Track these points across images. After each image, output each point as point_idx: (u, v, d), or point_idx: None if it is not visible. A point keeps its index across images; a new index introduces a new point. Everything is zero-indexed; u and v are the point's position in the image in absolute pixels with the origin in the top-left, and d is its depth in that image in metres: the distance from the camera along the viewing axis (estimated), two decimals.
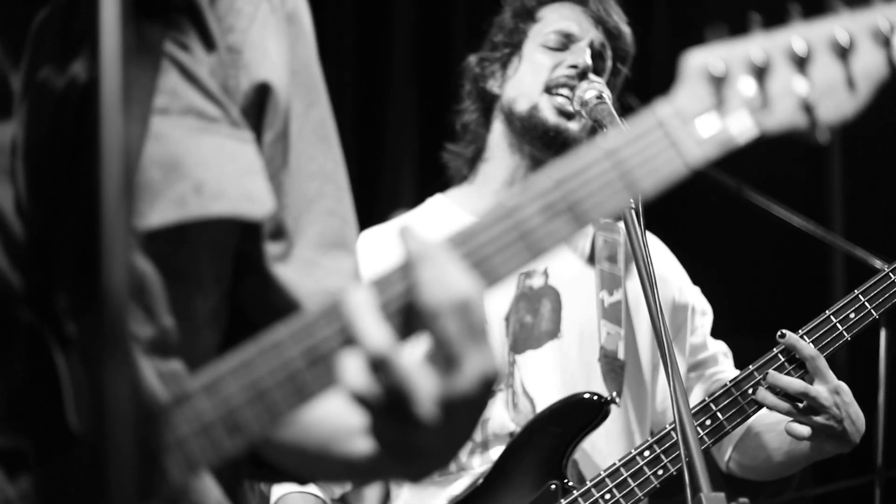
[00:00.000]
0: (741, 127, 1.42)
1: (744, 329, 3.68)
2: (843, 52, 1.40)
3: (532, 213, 1.42)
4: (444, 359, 1.36)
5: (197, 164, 1.54)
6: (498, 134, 3.44)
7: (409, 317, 1.38)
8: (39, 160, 1.48)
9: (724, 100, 1.42)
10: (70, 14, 1.54)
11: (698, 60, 1.43)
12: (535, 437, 3.19)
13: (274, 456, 1.67)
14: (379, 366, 1.34)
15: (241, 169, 1.60)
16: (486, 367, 1.37)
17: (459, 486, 3.20)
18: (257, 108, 1.66)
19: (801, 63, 1.41)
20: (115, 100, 1.09)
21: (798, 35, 1.42)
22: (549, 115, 3.28)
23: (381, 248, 3.31)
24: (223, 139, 1.60)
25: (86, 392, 1.41)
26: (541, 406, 3.23)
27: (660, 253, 3.53)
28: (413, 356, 1.37)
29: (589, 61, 3.29)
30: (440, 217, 3.44)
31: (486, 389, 1.38)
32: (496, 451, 3.21)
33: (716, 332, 3.56)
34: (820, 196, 4.81)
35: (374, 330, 1.35)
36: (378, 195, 4.57)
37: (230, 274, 1.66)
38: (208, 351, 1.64)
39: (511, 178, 3.42)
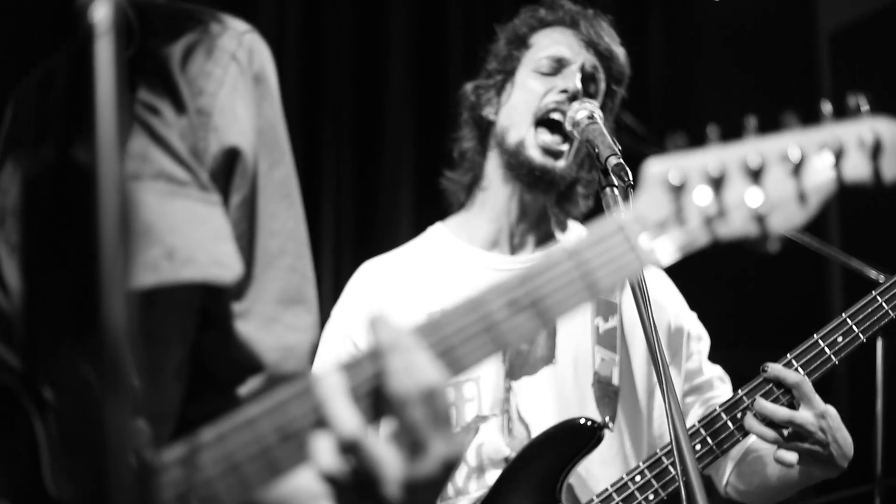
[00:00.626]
0: (695, 235, 1.47)
1: (743, 342, 3.71)
2: (796, 168, 1.46)
3: (497, 307, 1.50)
4: (409, 443, 1.45)
5: (168, 230, 1.62)
6: (493, 162, 3.49)
7: (377, 401, 1.47)
8: (19, 225, 1.57)
9: (681, 207, 1.49)
10: (45, 90, 1.59)
11: (658, 169, 1.51)
12: (530, 463, 3.25)
13: None
14: (349, 448, 1.43)
15: (211, 233, 1.68)
16: (449, 452, 1.47)
17: None
18: (226, 171, 1.73)
19: (755, 175, 1.47)
20: (112, 171, 1.17)
21: (753, 149, 1.47)
22: (535, 155, 3.33)
23: (380, 280, 3.37)
24: (193, 203, 1.67)
25: (75, 452, 1.49)
26: (536, 431, 3.30)
27: (657, 279, 3.57)
28: (380, 439, 1.45)
29: (579, 85, 3.32)
30: (439, 247, 3.50)
31: (448, 472, 1.48)
32: (492, 476, 3.28)
33: (717, 345, 3.60)
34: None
35: (345, 414, 1.44)
36: (376, 224, 4.61)
37: (194, 330, 1.74)
38: (173, 403, 1.73)
39: (507, 206, 3.46)
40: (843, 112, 1.49)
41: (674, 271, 3.66)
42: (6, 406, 1.52)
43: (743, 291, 4.83)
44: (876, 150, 1.44)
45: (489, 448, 3.29)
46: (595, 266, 1.51)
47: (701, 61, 4.91)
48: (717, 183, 1.49)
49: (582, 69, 3.39)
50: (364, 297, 3.38)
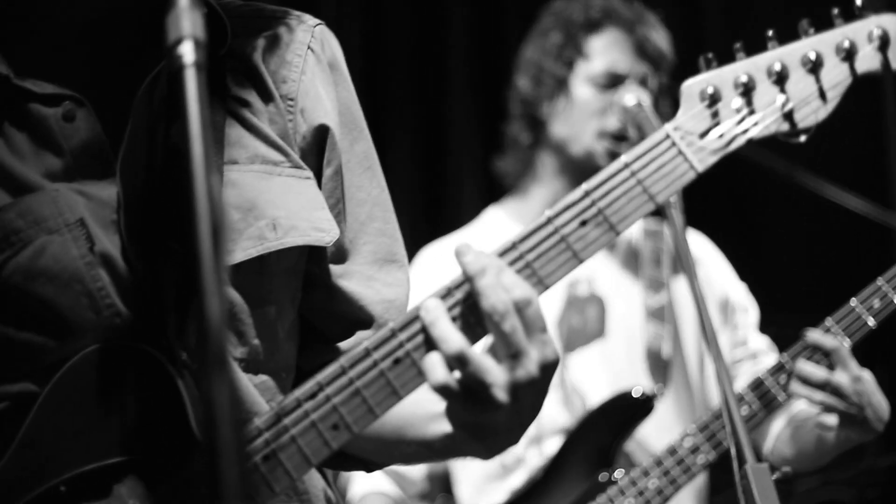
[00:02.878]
0: (734, 136, 1.70)
1: (806, 310, 3.77)
2: (814, 67, 1.66)
3: (565, 221, 1.70)
4: (509, 352, 1.64)
5: (269, 204, 1.85)
6: (548, 160, 3.68)
7: (473, 319, 1.67)
8: (138, 212, 1.77)
9: (717, 114, 1.71)
10: (153, 87, 1.82)
11: (695, 84, 1.73)
12: (586, 432, 3.44)
13: (348, 448, 1.94)
14: (458, 361, 1.63)
15: (308, 203, 1.91)
16: (545, 356, 1.66)
17: (518, 478, 3.44)
18: (316, 148, 1.96)
19: (780, 80, 1.67)
20: (202, 158, 1.35)
21: (775, 57, 1.67)
22: (605, 162, 3.48)
23: (441, 262, 3.57)
24: (287, 179, 1.90)
25: (199, 406, 1.69)
26: (590, 403, 3.50)
27: (706, 251, 3.76)
28: (483, 352, 1.66)
29: (635, 101, 3.45)
30: (496, 230, 3.69)
31: (546, 374, 1.67)
32: (550, 445, 3.47)
33: (773, 318, 3.73)
34: (882, 177, 4.85)
35: (450, 332, 1.65)
36: (442, 208, 4.76)
37: (300, 292, 1.96)
38: (289, 361, 1.95)
39: (559, 195, 3.60)
40: (851, 14, 1.72)
41: (726, 238, 3.83)
42: (151, 369, 1.71)
43: (804, 263, 4.91)
44: (883, 44, 1.66)
45: (547, 419, 3.46)
46: (649, 173, 1.71)
47: None
48: (748, 90, 1.71)
49: (636, 79, 3.58)
50: (428, 282, 3.55)
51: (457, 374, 1.63)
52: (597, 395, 3.49)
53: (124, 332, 1.73)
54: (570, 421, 3.48)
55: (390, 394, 1.66)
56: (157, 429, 1.71)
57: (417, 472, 3.58)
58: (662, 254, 3.66)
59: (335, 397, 1.66)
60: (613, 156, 3.46)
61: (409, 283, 2.05)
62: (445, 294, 1.68)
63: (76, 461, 1.68)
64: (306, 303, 1.97)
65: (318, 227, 1.89)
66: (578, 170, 3.55)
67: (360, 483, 3.54)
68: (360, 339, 1.93)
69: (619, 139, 3.51)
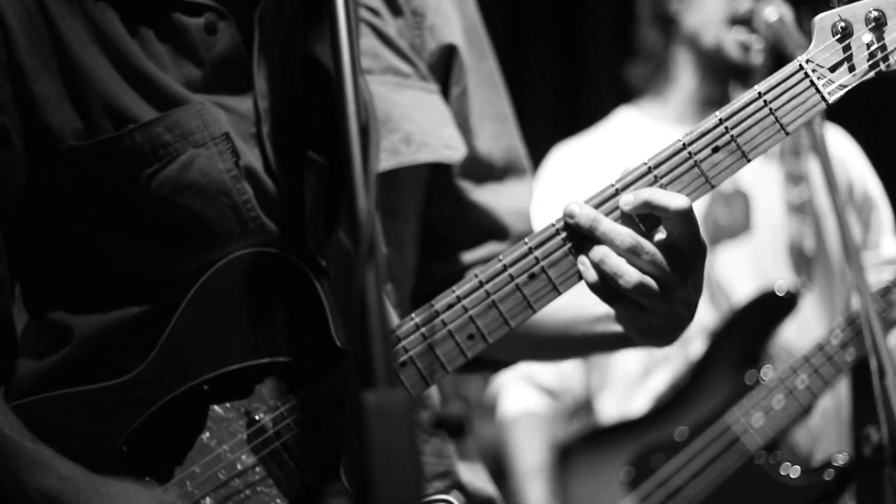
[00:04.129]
0: (864, 70, 1.76)
1: None
2: None
3: (699, 147, 1.75)
4: (673, 250, 1.71)
5: (402, 118, 1.92)
6: (681, 56, 3.63)
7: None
8: (280, 125, 1.82)
9: (849, 48, 1.75)
10: (281, 5, 1.85)
11: (827, 18, 1.77)
12: (731, 332, 3.44)
13: (489, 352, 2.01)
14: (633, 252, 1.69)
15: (438, 120, 1.97)
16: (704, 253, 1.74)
17: (660, 379, 3.47)
18: (443, 66, 2.02)
19: None
20: (351, 67, 1.40)
21: None
22: (735, 53, 3.47)
23: (572, 162, 3.59)
24: (417, 92, 1.96)
25: (343, 312, 1.78)
26: (736, 299, 3.48)
27: (844, 147, 3.70)
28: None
29: (777, 16, 3.39)
30: (629, 127, 3.68)
31: (704, 262, 1.75)
32: (694, 345, 3.47)
33: None
34: None
35: (619, 227, 1.70)
36: (578, 110, 4.75)
37: (423, 204, 2.02)
38: (412, 268, 2.02)
39: (695, 93, 3.61)
40: None
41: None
42: (293, 275, 1.78)
43: None
44: None
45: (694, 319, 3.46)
46: (781, 103, 1.74)
47: None
48: (879, 26, 1.74)
49: None
50: (561, 181, 3.58)
51: (635, 264, 1.69)
52: (742, 291, 3.48)
53: (267, 243, 1.79)
54: (715, 319, 3.48)
55: (525, 307, 1.72)
56: (298, 333, 1.78)
57: (573, 387, 3.64)
58: (801, 147, 3.61)
59: (472, 309, 1.72)
60: (744, 49, 3.44)
61: (533, 194, 2.11)
62: (598, 199, 1.74)
63: (219, 361, 1.76)
64: (434, 215, 2.04)
65: (448, 145, 1.96)
66: (712, 64, 3.52)
67: (512, 401, 3.62)
68: (490, 249, 2.01)
69: (747, 25, 3.45)
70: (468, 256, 2.05)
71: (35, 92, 1.77)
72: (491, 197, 2.05)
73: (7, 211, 1.80)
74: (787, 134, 1.75)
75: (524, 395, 3.60)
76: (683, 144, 1.74)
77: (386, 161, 1.89)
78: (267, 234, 1.79)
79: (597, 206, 1.72)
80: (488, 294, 1.72)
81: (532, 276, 1.72)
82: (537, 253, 1.73)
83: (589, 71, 4.86)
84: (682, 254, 1.71)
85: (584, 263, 1.71)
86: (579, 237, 1.72)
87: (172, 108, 1.77)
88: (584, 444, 3.55)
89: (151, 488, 1.72)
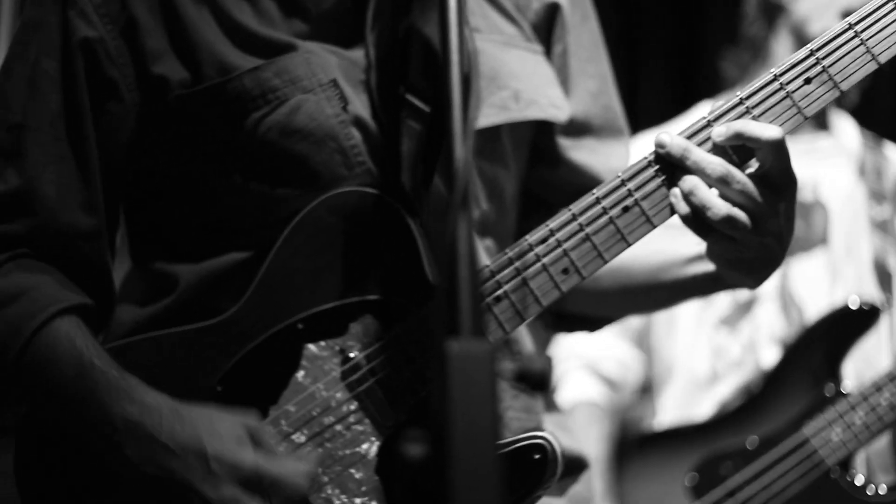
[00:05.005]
0: None
1: None
2: None
3: (791, 78, 1.75)
4: (765, 182, 1.71)
5: (510, 76, 1.93)
6: (784, 47, 3.60)
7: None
8: (384, 73, 1.84)
9: None
10: None
11: None
12: (809, 343, 3.39)
13: (583, 306, 1.99)
14: (723, 181, 1.70)
15: (544, 80, 1.99)
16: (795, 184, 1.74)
17: (727, 387, 3.42)
18: (546, 24, 2.03)
19: None
20: (456, 16, 1.42)
21: None
22: None
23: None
24: (522, 52, 1.98)
25: (436, 251, 1.79)
26: (809, 313, 3.45)
27: None
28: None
29: None
30: None
31: (795, 193, 1.75)
32: (765, 355, 3.43)
33: None
34: None
35: (710, 157, 1.71)
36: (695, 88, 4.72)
37: (525, 162, 2.04)
38: (511, 229, 2.03)
39: None
40: None
41: None
42: (388, 216, 1.80)
43: None
44: None
45: (764, 327, 3.44)
46: (872, 33, 1.74)
47: None
48: None
49: None
50: None
51: (728, 196, 1.69)
52: (817, 304, 3.44)
53: (370, 186, 1.81)
54: (787, 330, 3.45)
55: (619, 240, 1.73)
56: (392, 271, 1.80)
57: (633, 378, 3.60)
58: (883, 167, 3.55)
59: (565, 242, 1.74)
60: None
61: (630, 156, 2.10)
62: (690, 133, 1.75)
63: (314, 300, 1.79)
64: (533, 173, 2.06)
65: (554, 104, 1.98)
66: None
67: (571, 389, 3.59)
68: None
69: None
70: None
71: (146, 45, 1.82)
72: (589, 156, 2.07)
73: (115, 163, 1.86)
74: (879, 64, 1.75)
75: (584, 383, 3.58)
76: (775, 76, 1.74)
77: (495, 116, 1.91)
78: (373, 180, 1.82)
79: (688, 138, 1.73)
80: (581, 227, 1.74)
81: (625, 209, 1.74)
82: (630, 185, 1.74)
83: (705, 57, 4.81)
84: (774, 185, 1.71)
85: (675, 195, 1.72)
86: (671, 169, 1.73)
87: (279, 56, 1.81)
88: (646, 444, 3.52)
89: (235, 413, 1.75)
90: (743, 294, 3.45)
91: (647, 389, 3.64)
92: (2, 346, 1.76)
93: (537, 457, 1.74)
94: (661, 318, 3.51)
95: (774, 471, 3.28)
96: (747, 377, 3.45)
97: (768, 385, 3.41)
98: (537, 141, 2.04)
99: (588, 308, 2.08)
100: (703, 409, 3.48)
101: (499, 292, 1.73)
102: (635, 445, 3.52)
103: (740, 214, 1.70)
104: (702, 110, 3.69)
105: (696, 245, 1.90)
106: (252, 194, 1.82)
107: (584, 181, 2.05)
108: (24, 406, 1.83)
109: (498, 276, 1.74)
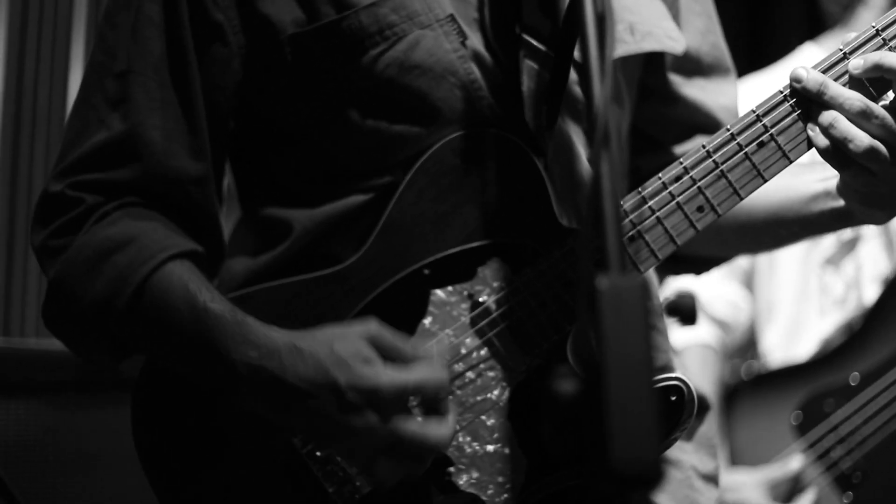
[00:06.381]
0: None
1: None
2: None
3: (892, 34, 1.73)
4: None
5: (624, 9, 1.89)
6: None
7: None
8: (501, 10, 1.82)
9: None
10: None
11: None
12: None
13: (697, 245, 1.99)
14: (863, 115, 1.67)
15: (657, 13, 1.95)
16: None
17: (828, 325, 3.40)
18: None
19: None
20: None
21: None
22: None
23: (755, 98, 3.49)
24: None
25: (562, 199, 1.77)
26: None
27: None
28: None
29: None
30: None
31: None
32: (868, 293, 3.40)
33: None
34: None
35: (847, 91, 1.69)
36: (767, 43, 4.68)
37: (635, 102, 2.01)
38: (626, 163, 1.98)
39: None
40: None
41: None
42: (514, 156, 1.78)
43: None
44: None
45: (868, 263, 3.40)
46: None
47: None
48: None
49: None
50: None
51: (867, 129, 1.67)
52: None
53: (489, 124, 1.79)
54: (891, 267, 3.41)
55: (755, 177, 1.72)
56: (519, 213, 1.77)
57: (743, 319, 3.59)
58: None
59: (701, 180, 1.72)
60: None
61: (738, 93, 2.09)
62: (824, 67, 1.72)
63: (440, 245, 1.76)
64: (642, 111, 2.02)
65: (670, 36, 1.94)
66: None
67: (679, 333, 3.57)
68: (699, 143, 1.98)
69: None
70: (679, 149, 2.03)
71: None
72: (699, 93, 2.04)
73: (222, 108, 1.83)
74: None
75: (694, 328, 3.56)
76: (876, 30, 1.71)
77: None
78: (492, 114, 1.79)
79: (824, 72, 1.71)
80: (717, 164, 1.72)
81: (761, 144, 1.72)
82: (766, 120, 1.72)
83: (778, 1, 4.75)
84: None
85: (813, 129, 1.70)
86: (807, 103, 1.71)
87: None
88: (751, 386, 3.50)
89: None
90: (846, 233, 3.41)
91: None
92: (113, 292, 1.73)
93: (674, 398, 1.72)
94: (764, 258, 3.49)
95: (876, 403, 3.27)
96: (850, 315, 3.42)
97: (868, 321, 3.38)
98: (646, 78, 2.01)
99: (702, 248, 2.04)
100: (805, 347, 3.45)
101: (632, 232, 1.71)
102: (741, 387, 3.51)
103: (880, 146, 1.67)
104: (807, 53, 3.68)
105: (820, 181, 1.89)
106: (370, 132, 1.79)
107: (696, 118, 2.03)
108: (141, 355, 1.81)
109: (632, 216, 1.72)
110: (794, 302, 3.49)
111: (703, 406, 2.02)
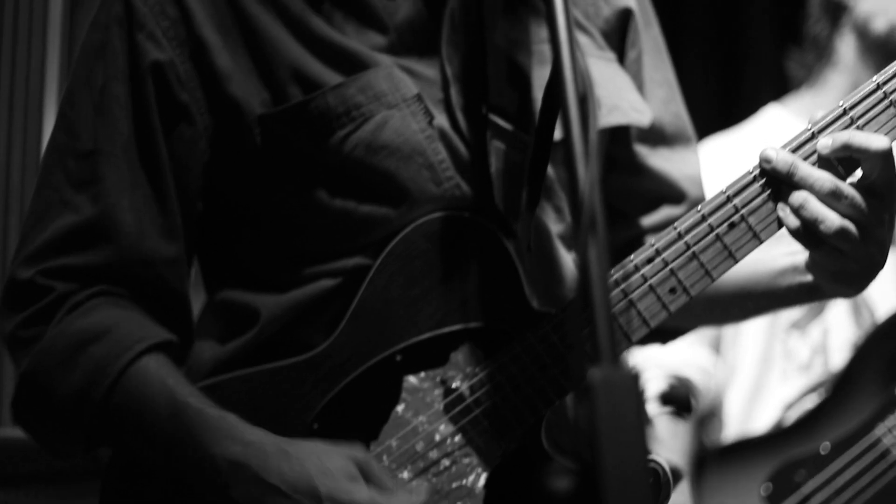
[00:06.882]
0: None
1: None
2: None
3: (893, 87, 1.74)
4: (870, 192, 1.70)
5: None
6: (848, 46, 3.56)
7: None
8: (466, 90, 1.81)
9: None
10: None
11: None
12: (879, 344, 3.33)
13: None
14: (834, 196, 1.68)
15: (622, 85, 1.95)
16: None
17: (793, 388, 3.38)
18: (619, 31, 1.99)
19: None
20: (567, 35, 1.39)
21: None
22: None
23: (720, 158, 3.50)
24: (597, 60, 1.93)
25: (536, 281, 1.75)
26: (880, 315, 3.39)
27: None
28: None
29: None
30: (774, 128, 3.61)
31: None
32: (835, 358, 3.39)
33: None
34: None
35: (818, 172, 1.70)
36: (733, 105, 4.69)
37: (602, 173, 2.00)
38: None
39: (853, 88, 3.49)
40: None
41: None
42: (484, 239, 1.76)
43: None
44: None
45: (834, 330, 3.39)
46: None
47: None
48: None
49: None
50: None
51: (838, 208, 1.68)
52: (887, 306, 3.38)
53: (460, 204, 1.78)
54: (858, 333, 3.40)
55: (726, 257, 1.71)
56: (491, 297, 1.76)
57: (714, 384, 3.55)
58: None
59: (672, 262, 1.71)
60: None
61: (701, 162, 2.09)
62: (793, 146, 1.73)
63: (412, 330, 1.75)
64: (608, 182, 2.02)
65: (636, 108, 1.94)
66: (881, 49, 3.44)
67: (653, 399, 3.54)
68: (666, 213, 2.01)
69: None
70: (645, 221, 2.04)
71: (218, 66, 1.78)
72: (664, 163, 2.05)
73: (189, 189, 1.82)
74: None
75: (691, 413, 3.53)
76: (878, 84, 1.73)
77: None
78: (460, 195, 1.78)
79: (793, 151, 1.72)
80: (688, 246, 1.72)
81: (732, 225, 1.72)
82: (736, 201, 1.72)
83: (747, 62, 4.78)
84: (880, 194, 1.70)
85: (783, 209, 1.70)
86: (777, 183, 1.72)
87: (360, 72, 1.77)
88: (719, 455, 3.46)
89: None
90: None
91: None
92: (88, 385, 1.71)
93: (650, 480, 1.70)
94: None
95: (848, 473, 3.22)
96: (814, 380, 3.40)
97: (838, 388, 3.37)
98: (612, 150, 2.01)
99: (670, 319, 2.03)
100: (766, 413, 3.43)
101: None
102: (710, 456, 3.47)
103: (851, 226, 1.68)
104: (770, 114, 3.71)
105: (788, 255, 1.89)
106: (339, 214, 1.77)
107: (661, 189, 2.03)
108: (112, 448, 1.79)
109: None
110: (756, 366, 3.47)
111: (676, 477, 2.01)
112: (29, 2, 3.61)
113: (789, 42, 3.80)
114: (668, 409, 1.95)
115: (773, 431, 3.39)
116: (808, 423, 3.34)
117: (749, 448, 3.40)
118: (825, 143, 1.71)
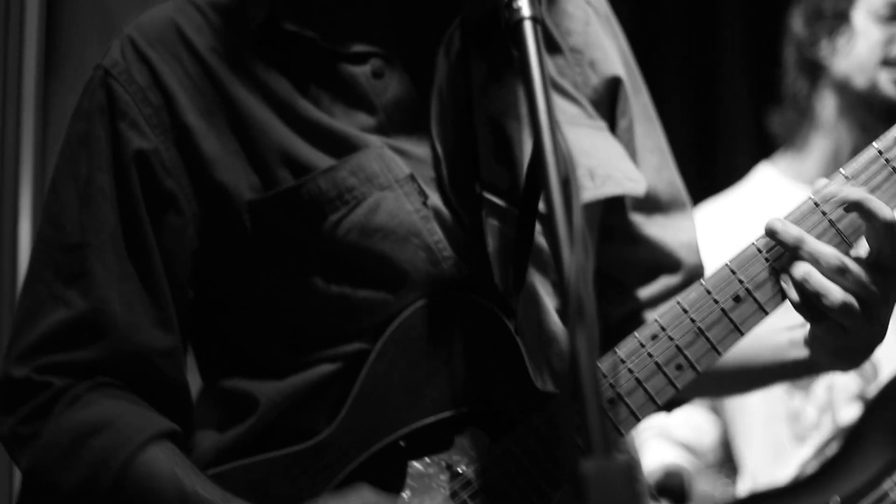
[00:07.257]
0: None
1: None
2: None
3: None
4: (876, 268, 1.68)
5: (581, 154, 1.86)
6: (829, 105, 3.56)
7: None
8: (458, 167, 1.80)
9: None
10: (449, 43, 1.83)
11: None
12: (885, 401, 3.30)
13: None
14: (840, 272, 1.66)
15: (615, 154, 1.93)
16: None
17: (807, 449, 3.34)
18: (609, 99, 1.97)
19: None
20: (548, 118, 1.39)
21: None
22: (891, 91, 3.39)
23: (714, 223, 3.50)
24: (587, 130, 1.92)
25: (534, 346, 1.74)
26: (883, 368, 3.36)
27: None
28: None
29: None
30: (767, 190, 3.60)
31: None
32: (844, 414, 3.35)
33: None
34: None
35: (824, 246, 1.68)
36: (713, 164, 4.69)
37: (597, 244, 1.99)
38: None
39: (837, 147, 3.52)
40: None
41: None
42: (484, 319, 1.75)
43: None
44: None
45: (840, 385, 3.36)
46: None
47: None
48: None
49: None
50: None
51: (842, 284, 1.66)
52: (892, 359, 3.35)
53: (459, 284, 1.76)
54: (863, 387, 3.38)
55: (732, 331, 1.70)
56: (495, 380, 1.74)
57: (708, 441, 3.53)
58: None
59: (678, 339, 1.70)
60: None
61: (696, 228, 2.08)
62: (799, 220, 1.71)
63: (414, 415, 1.72)
64: (604, 253, 2.00)
65: (630, 178, 1.91)
66: (863, 106, 3.44)
67: (650, 457, 3.51)
68: (663, 283, 1.99)
69: None
70: (643, 293, 2.02)
71: (204, 151, 1.77)
72: (660, 231, 2.02)
73: (179, 277, 1.80)
74: None
75: (662, 450, 3.49)
76: (879, 151, 1.71)
77: None
78: (459, 275, 1.76)
79: (796, 222, 1.70)
80: (693, 322, 1.70)
81: (738, 299, 1.71)
82: (741, 275, 1.71)
83: (723, 120, 4.78)
84: (886, 270, 1.68)
85: (786, 282, 1.69)
86: (780, 254, 1.70)
87: (350, 153, 1.75)
88: None
89: None
90: None
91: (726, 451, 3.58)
92: (93, 477, 1.69)
93: None
94: None
95: None
96: (825, 438, 3.37)
97: (847, 442, 3.34)
98: (607, 220, 1.99)
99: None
100: (787, 468, 3.38)
101: (612, 394, 1.69)
102: None
103: (854, 302, 1.66)
104: (762, 175, 3.70)
105: (787, 331, 1.88)
106: (335, 299, 1.75)
107: (658, 258, 2.01)
108: None
109: (610, 379, 1.69)
110: (769, 428, 3.44)
111: None
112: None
113: (767, 100, 3.79)
114: (663, 499, 1.93)
115: (785, 485, 3.34)
116: (819, 478, 3.31)
117: (761, 502, 3.36)
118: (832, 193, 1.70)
